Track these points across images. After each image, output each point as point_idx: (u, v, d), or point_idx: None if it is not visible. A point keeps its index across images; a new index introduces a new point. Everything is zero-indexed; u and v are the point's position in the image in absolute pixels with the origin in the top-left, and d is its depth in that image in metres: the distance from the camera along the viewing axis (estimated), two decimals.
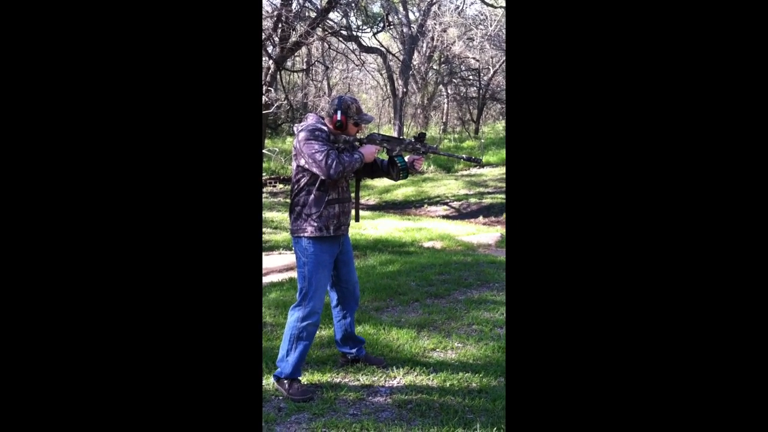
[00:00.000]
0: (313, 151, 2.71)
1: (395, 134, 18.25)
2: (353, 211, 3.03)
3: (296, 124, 2.90)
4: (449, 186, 13.51)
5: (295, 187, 2.86)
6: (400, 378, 3.02)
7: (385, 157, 3.04)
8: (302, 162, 2.78)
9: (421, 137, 3.00)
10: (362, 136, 2.98)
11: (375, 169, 3.05)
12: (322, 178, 2.75)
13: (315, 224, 2.80)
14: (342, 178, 2.81)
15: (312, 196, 2.81)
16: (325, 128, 2.81)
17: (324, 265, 2.86)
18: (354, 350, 3.16)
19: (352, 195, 3.02)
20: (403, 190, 13.41)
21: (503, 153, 16.55)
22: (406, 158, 2.98)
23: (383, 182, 14.05)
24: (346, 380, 3.02)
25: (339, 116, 2.83)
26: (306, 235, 2.82)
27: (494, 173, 14.45)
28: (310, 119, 2.88)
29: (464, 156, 3.18)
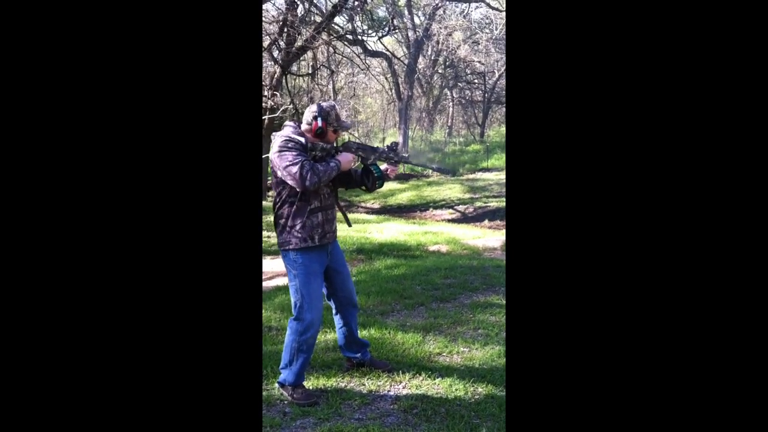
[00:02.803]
0: (287, 163, 2.65)
1: (400, 139, 18.26)
2: (339, 217, 3.00)
3: (274, 134, 2.84)
4: (453, 190, 13.50)
5: (277, 199, 2.81)
6: (405, 382, 3.01)
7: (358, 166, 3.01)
8: (279, 174, 2.73)
9: (393, 146, 3.01)
10: (338, 144, 2.96)
11: (348, 179, 3.00)
12: (299, 190, 2.71)
13: (299, 235, 2.77)
14: (319, 188, 2.77)
15: (294, 207, 2.77)
16: (300, 138, 2.75)
17: (315, 275, 2.83)
18: (359, 354, 3.15)
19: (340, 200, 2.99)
20: (407, 194, 13.41)
21: None
22: (381, 167, 2.97)
23: (387, 186, 14.05)
24: (352, 385, 3.00)
25: (319, 123, 2.78)
26: (292, 247, 2.78)
27: (499, 177, 14.42)
28: (286, 130, 2.81)
29: (435, 166, 3.19)
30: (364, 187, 3.01)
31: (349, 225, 2.93)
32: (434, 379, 3.02)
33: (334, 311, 3.10)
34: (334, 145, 2.91)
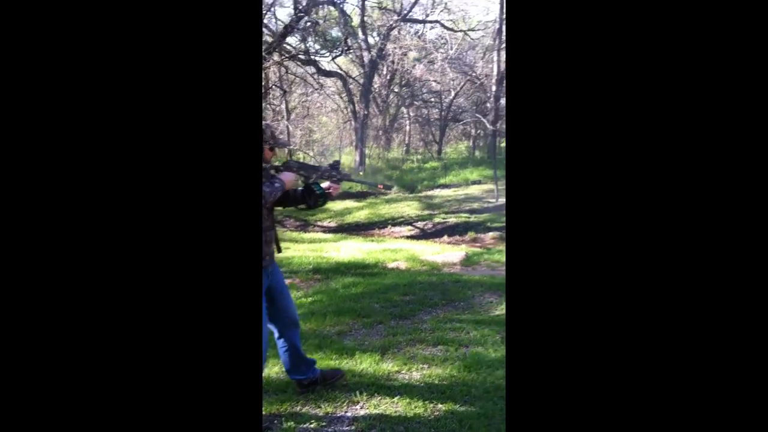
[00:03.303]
0: None
1: (357, 158, 18.22)
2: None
3: None
4: (412, 206, 13.48)
5: None
6: (363, 403, 2.89)
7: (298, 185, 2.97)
8: None
9: (335, 165, 3.00)
10: (278, 164, 2.90)
11: (287, 198, 2.92)
12: None
13: None
14: (265, 209, 2.67)
15: None
16: None
17: None
18: (308, 374, 3.03)
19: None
20: (364, 212, 13.33)
21: (465, 173, 16.66)
22: (323, 185, 2.93)
23: (343, 204, 13.96)
24: (307, 408, 2.87)
25: None
26: None
27: (457, 193, 14.50)
28: None
29: (372, 182, 3.19)
30: (303, 206, 2.93)
31: (279, 251, 2.84)
32: (393, 398, 2.92)
33: (277, 335, 2.96)
34: (272, 163, 2.83)
